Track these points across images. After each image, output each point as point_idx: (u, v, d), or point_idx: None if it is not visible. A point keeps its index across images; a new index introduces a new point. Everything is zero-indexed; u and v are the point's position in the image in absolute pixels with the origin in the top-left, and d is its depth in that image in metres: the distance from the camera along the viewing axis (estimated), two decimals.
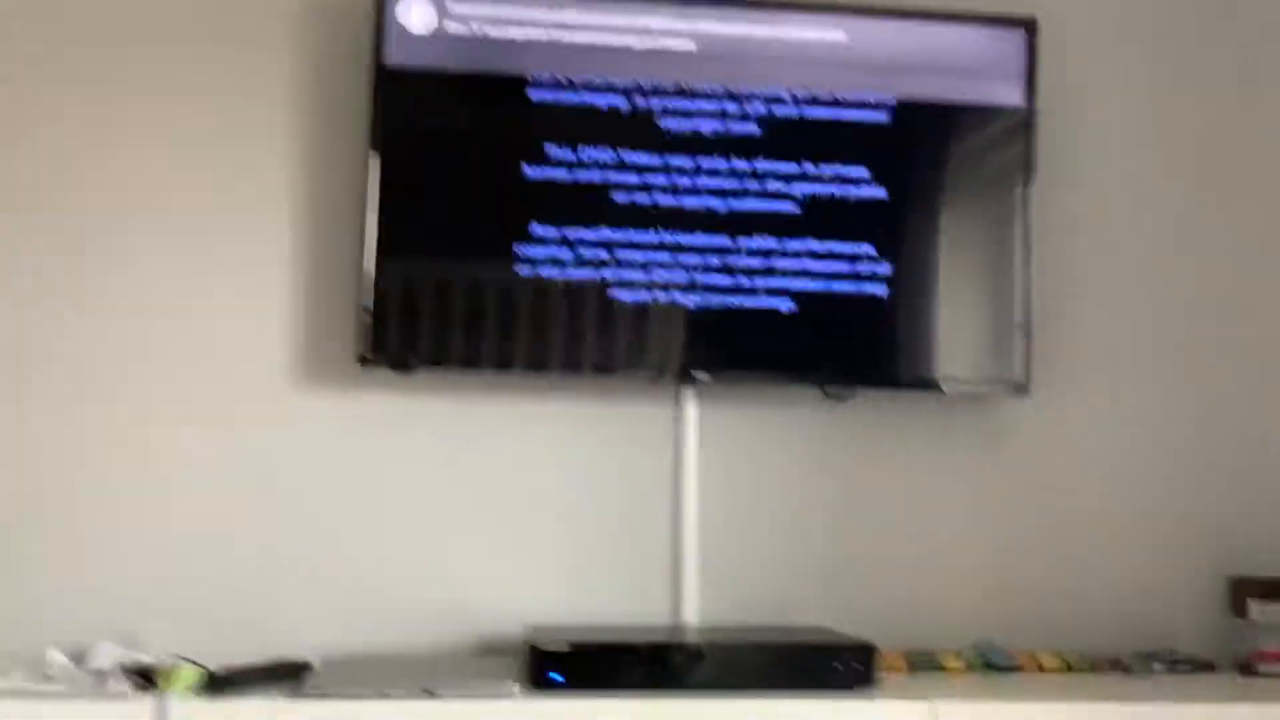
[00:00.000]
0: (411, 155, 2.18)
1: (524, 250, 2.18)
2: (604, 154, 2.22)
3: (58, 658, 1.93)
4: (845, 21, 2.29)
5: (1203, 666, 2.24)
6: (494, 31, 2.21)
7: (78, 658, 1.94)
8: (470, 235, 2.19)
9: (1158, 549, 2.39)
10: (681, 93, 2.25)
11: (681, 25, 2.25)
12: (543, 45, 2.22)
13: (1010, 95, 2.32)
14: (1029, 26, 2.32)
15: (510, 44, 2.21)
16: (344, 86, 2.26)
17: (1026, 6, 2.36)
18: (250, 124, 2.26)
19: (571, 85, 2.22)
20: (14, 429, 2.17)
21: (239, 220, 2.25)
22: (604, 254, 2.20)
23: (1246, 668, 2.23)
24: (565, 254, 2.19)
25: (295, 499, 2.22)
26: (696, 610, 2.25)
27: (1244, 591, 2.24)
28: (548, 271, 2.19)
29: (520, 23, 2.22)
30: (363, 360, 2.14)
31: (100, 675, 1.90)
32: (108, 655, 1.96)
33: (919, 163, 2.31)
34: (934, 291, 2.29)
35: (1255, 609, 2.22)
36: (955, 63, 2.32)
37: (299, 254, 2.25)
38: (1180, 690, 2.06)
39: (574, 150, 2.21)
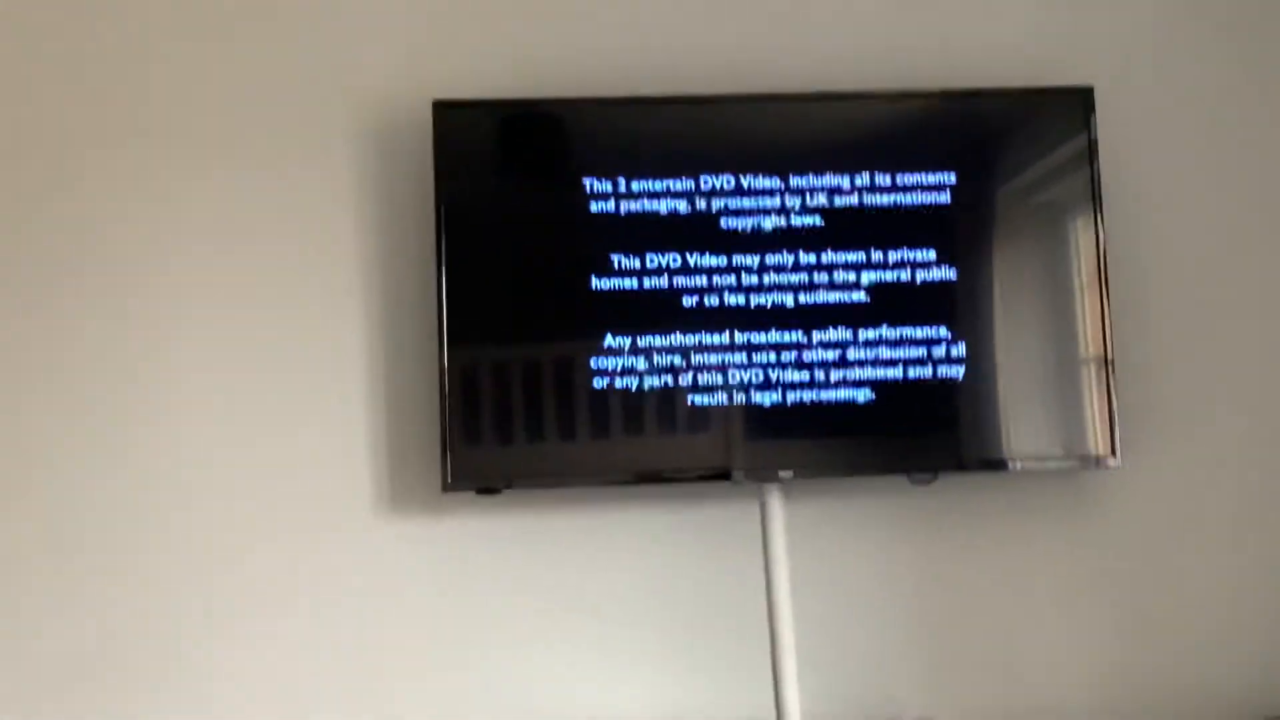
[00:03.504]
0: (480, 280, 2.19)
1: (598, 363, 2.19)
2: (669, 258, 2.22)
3: None
4: (901, 104, 2.30)
5: None
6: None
7: None
8: (544, 353, 2.20)
9: (1269, 615, 2.34)
10: (740, 190, 2.25)
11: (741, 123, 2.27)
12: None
13: (1072, 164, 2.30)
14: (1085, 96, 2.30)
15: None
16: (410, 217, 2.28)
17: (1078, 67, 2.36)
18: (322, 253, 2.29)
19: (630, 192, 2.23)
20: (110, 558, 2.19)
21: (316, 354, 2.27)
22: (678, 359, 2.20)
23: None
24: (639, 363, 2.19)
25: (386, 625, 2.22)
26: (800, 710, 2.22)
27: None
28: (623, 382, 2.19)
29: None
30: (447, 486, 2.15)
31: None
32: None
33: (985, 238, 2.29)
34: (1011, 368, 2.26)
35: None
36: (1013, 135, 2.32)
37: (376, 383, 2.27)
38: None
39: (639, 257, 2.22)
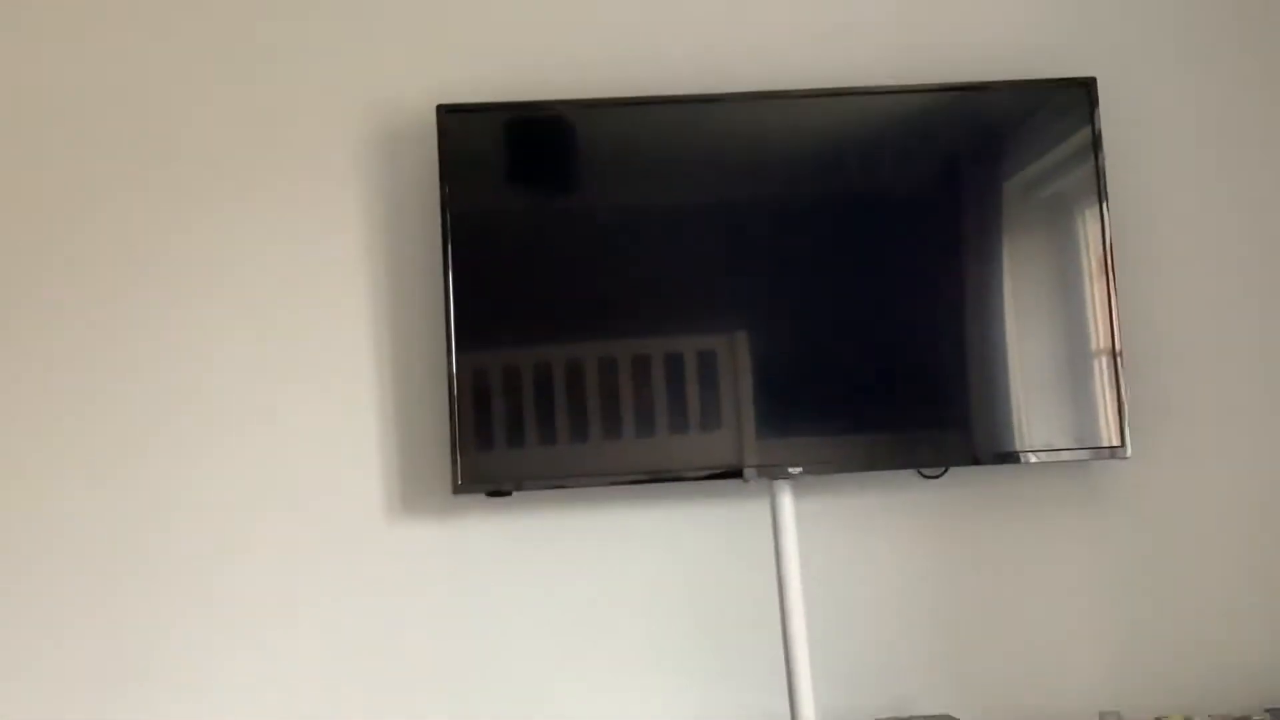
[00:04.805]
0: (487, 283, 2.20)
1: (607, 363, 2.18)
2: (676, 256, 2.22)
3: None
4: (906, 99, 2.30)
5: None
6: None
7: None
8: (553, 355, 2.20)
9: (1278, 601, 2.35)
10: (746, 188, 2.24)
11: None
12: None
13: (1076, 156, 2.30)
14: (1089, 87, 2.30)
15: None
16: (416, 221, 2.30)
17: (1081, 59, 2.37)
18: (329, 260, 2.29)
19: (635, 191, 2.23)
20: (117, 563, 2.20)
21: (325, 361, 2.27)
22: (687, 358, 2.19)
23: None
24: (649, 362, 2.19)
25: (398, 628, 2.23)
26: (813, 706, 2.22)
27: None
28: (632, 382, 2.18)
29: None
30: (457, 489, 2.15)
31: None
32: None
33: (992, 232, 2.29)
34: (1020, 360, 2.26)
35: None
36: (1017, 128, 2.31)
37: (386, 388, 2.27)
38: None
39: (646, 256, 2.22)
